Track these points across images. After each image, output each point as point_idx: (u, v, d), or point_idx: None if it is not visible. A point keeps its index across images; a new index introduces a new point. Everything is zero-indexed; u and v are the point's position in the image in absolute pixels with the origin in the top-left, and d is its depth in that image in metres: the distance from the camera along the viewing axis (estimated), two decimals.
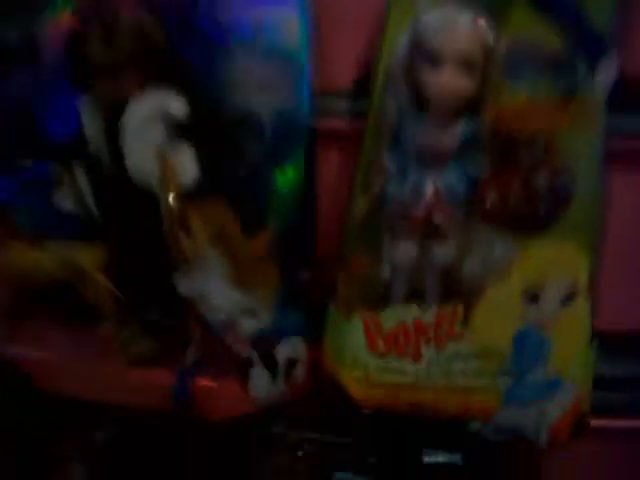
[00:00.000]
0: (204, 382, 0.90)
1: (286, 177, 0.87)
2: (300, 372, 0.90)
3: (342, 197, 0.89)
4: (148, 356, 0.93)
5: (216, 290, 0.84)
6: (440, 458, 0.89)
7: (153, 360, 0.93)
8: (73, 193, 0.94)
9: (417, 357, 0.84)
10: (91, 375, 0.95)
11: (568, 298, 0.80)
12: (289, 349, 0.89)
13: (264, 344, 0.88)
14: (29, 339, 1.00)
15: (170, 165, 0.85)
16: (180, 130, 0.85)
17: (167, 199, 0.85)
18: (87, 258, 0.96)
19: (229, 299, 0.85)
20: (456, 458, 0.90)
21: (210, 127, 0.86)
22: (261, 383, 0.88)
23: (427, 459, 0.89)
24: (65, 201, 0.95)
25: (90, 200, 0.93)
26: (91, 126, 0.87)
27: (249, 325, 0.87)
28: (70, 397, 0.97)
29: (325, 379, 0.86)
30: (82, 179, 0.92)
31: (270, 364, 0.89)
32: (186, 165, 0.85)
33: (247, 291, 0.85)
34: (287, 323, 0.88)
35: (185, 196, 0.85)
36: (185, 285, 0.86)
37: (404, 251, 0.84)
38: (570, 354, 0.78)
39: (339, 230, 0.88)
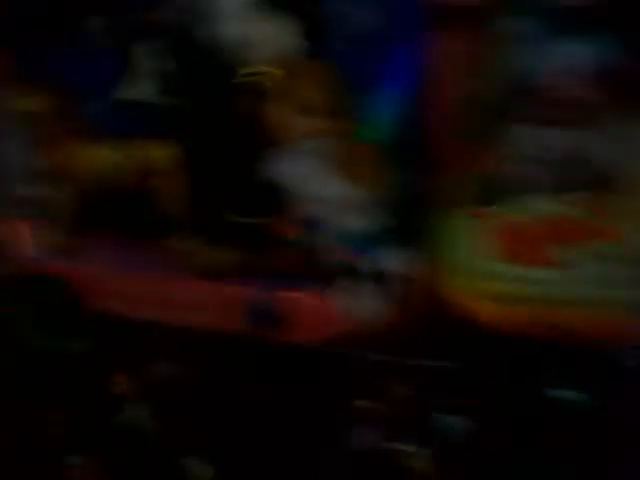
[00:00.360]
0: (290, 295, 0.76)
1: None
2: (405, 289, 0.75)
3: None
4: (220, 267, 0.80)
5: (317, 177, 0.72)
6: (566, 394, 0.75)
7: (226, 271, 0.80)
8: (157, 75, 0.82)
9: (551, 261, 0.70)
10: (153, 292, 0.83)
11: None
12: (396, 260, 0.75)
13: (367, 251, 0.74)
14: (87, 252, 0.87)
15: (267, 30, 0.73)
16: None
17: (261, 67, 0.73)
18: (159, 155, 0.84)
19: (332, 189, 0.72)
20: (584, 397, 0.75)
21: None
22: (361, 298, 0.74)
23: (549, 394, 0.75)
24: (135, 89, 0.83)
25: (164, 82, 0.81)
26: None
27: (351, 224, 0.74)
28: (130, 317, 0.83)
29: (437, 298, 0.73)
30: (151, 59, 0.81)
31: (373, 275, 0.74)
32: (284, 32, 0.74)
33: (353, 183, 0.72)
34: (395, 229, 0.73)
35: (284, 65, 0.73)
36: (277, 171, 0.73)
37: (541, 138, 0.71)
38: None
39: (453, 129, 0.75)
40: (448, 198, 0.75)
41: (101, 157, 0.86)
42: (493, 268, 0.70)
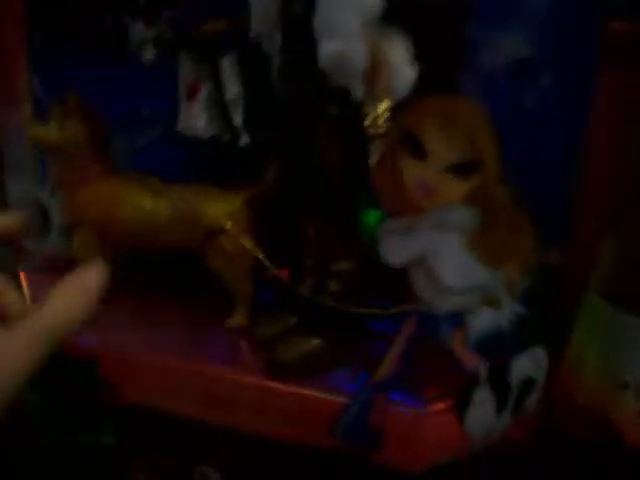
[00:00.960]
0: (399, 407, 0.56)
1: None
2: (534, 400, 0.61)
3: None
4: (300, 359, 0.61)
5: (450, 256, 0.52)
6: None
7: (309, 365, 0.60)
8: (214, 103, 0.62)
9: None
10: (206, 386, 0.63)
11: None
12: (528, 364, 0.57)
13: (498, 353, 0.55)
14: (121, 325, 0.68)
15: (384, 56, 0.54)
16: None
17: (375, 107, 0.54)
18: (224, 208, 0.65)
19: (468, 273, 0.52)
20: None
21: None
22: (484, 413, 0.56)
23: None
24: (197, 119, 0.63)
25: (238, 113, 0.61)
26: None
27: (484, 320, 0.55)
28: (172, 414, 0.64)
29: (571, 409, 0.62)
30: (231, 79, 0.60)
31: (502, 385, 0.56)
32: (402, 60, 0.55)
33: (492, 267, 0.53)
34: (531, 322, 0.56)
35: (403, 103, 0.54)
36: (398, 243, 0.54)
37: None
38: None
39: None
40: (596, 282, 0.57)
41: (141, 204, 0.66)
42: None
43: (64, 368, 0.67)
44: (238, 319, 0.67)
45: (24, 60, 0.72)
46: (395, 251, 0.54)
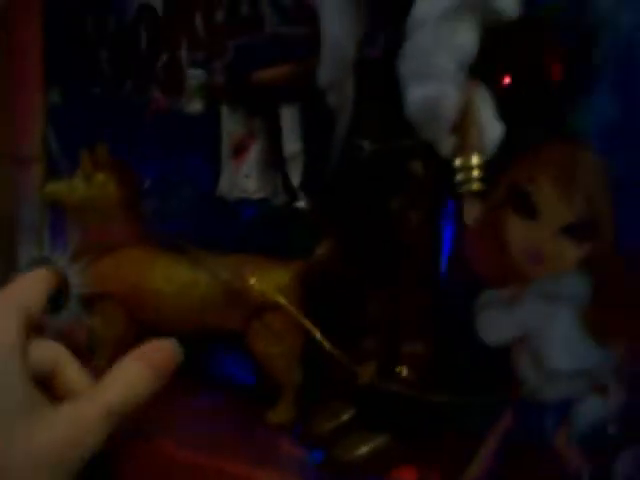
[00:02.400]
0: None
1: None
2: None
3: None
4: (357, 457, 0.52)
5: (561, 333, 0.45)
6: None
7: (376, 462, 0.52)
8: (268, 161, 0.55)
9: None
10: None
11: None
12: (632, 465, 0.48)
13: (604, 450, 0.47)
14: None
15: (474, 107, 0.49)
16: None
17: (468, 160, 0.48)
18: (274, 281, 0.57)
19: (579, 354, 0.45)
20: None
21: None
22: None
23: None
24: (247, 179, 0.56)
25: (297, 172, 0.54)
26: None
27: (590, 411, 0.47)
28: None
29: None
30: (292, 133, 0.54)
31: None
32: (490, 112, 0.50)
33: (603, 346, 0.46)
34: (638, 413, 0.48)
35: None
36: (499, 318, 0.46)
37: None
38: None
39: None
40: None
41: (176, 275, 0.57)
42: None
43: None
44: (282, 413, 0.57)
45: (40, 116, 0.65)
46: (496, 328, 0.46)
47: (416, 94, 0.47)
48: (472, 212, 0.47)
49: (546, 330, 0.46)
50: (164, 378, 0.33)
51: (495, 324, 0.46)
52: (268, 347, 0.56)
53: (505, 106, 0.51)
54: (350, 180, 0.52)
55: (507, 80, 0.53)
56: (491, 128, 0.50)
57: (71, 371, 0.34)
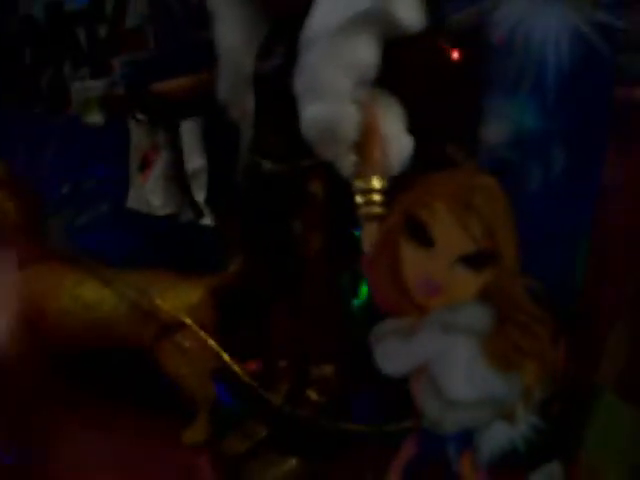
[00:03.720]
0: None
1: None
2: None
3: None
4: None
5: (459, 363, 0.43)
6: None
7: None
8: (172, 176, 0.52)
9: None
10: None
11: None
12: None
13: (510, 475, 0.46)
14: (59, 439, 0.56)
15: (377, 124, 0.47)
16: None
17: (368, 182, 0.46)
18: (179, 298, 0.55)
19: (479, 383, 0.44)
20: None
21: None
22: None
23: None
24: (152, 194, 0.54)
25: (201, 188, 0.52)
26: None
27: (496, 437, 0.46)
28: None
29: None
30: (193, 149, 0.51)
31: None
32: (397, 129, 0.48)
33: (507, 373, 0.44)
34: (547, 436, 0.47)
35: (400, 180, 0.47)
36: (397, 348, 0.45)
37: None
38: None
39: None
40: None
41: (81, 293, 0.55)
42: None
43: None
44: (197, 432, 0.56)
45: None
46: (394, 358, 0.45)
47: (310, 113, 0.44)
48: (369, 237, 0.45)
49: (445, 361, 0.44)
50: None
51: (393, 354, 0.45)
52: (179, 367, 0.55)
53: (414, 119, 0.49)
54: (253, 199, 0.50)
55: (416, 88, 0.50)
56: (399, 143, 0.48)
57: None
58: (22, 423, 0.53)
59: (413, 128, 0.49)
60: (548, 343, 0.45)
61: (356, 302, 0.54)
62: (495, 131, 0.51)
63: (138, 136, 0.54)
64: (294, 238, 0.48)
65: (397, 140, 0.47)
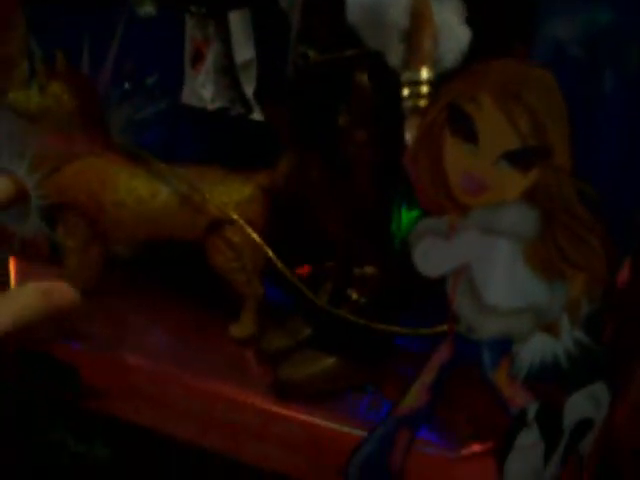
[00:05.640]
0: (426, 447, 0.46)
1: None
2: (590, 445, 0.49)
3: None
4: (312, 379, 0.51)
5: (499, 267, 0.41)
6: None
7: (322, 385, 0.50)
8: (222, 69, 0.52)
9: None
10: (205, 407, 0.53)
11: None
12: (586, 403, 0.48)
13: (550, 390, 0.43)
14: (108, 326, 0.59)
15: (429, 12, 0.44)
16: None
17: (416, 74, 0.43)
18: (236, 195, 0.55)
19: (520, 290, 0.42)
20: None
21: None
22: (528, 462, 0.45)
23: None
24: (203, 88, 0.53)
25: (250, 82, 0.51)
26: None
27: (536, 349, 0.44)
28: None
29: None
30: (242, 40, 0.50)
31: (552, 428, 0.47)
32: (452, 19, 0.45)
33: (552, 282, 0.42)
34: (593, 353, 0.46)
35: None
36: (436, 248, 0.43)
37: None
38: None
39: None
40: None
41: (135, 187, 0.56)
42: None
43: (43, 370, 0.58)
44: (243, 327, 0.57)
45: (19, 16, 0.63)
46: (432, 258, 0.43)
47: None
48: (412, 131, 0.43)
49: (484, 264, 0.42)
50: (55, 312, 0.37)
51: (431, 254, 0.43)
52: (227, 262, 0.55)
53: (474, 8, 0.45)
54: (300, 91, 0.48)
55: None
56: (453, 33, 0.45)
57: None
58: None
59: (472, 18, 0.45)
60: (600, 255, 0.43)
61: (406, 214, 0.52)
62: (563, 26, 0.47)
63: (191, 29, 0.53)
64: (341, 132, 0.47)
65: (451, 30, 0.44)
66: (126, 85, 0.61)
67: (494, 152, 0.39)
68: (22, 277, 0.63)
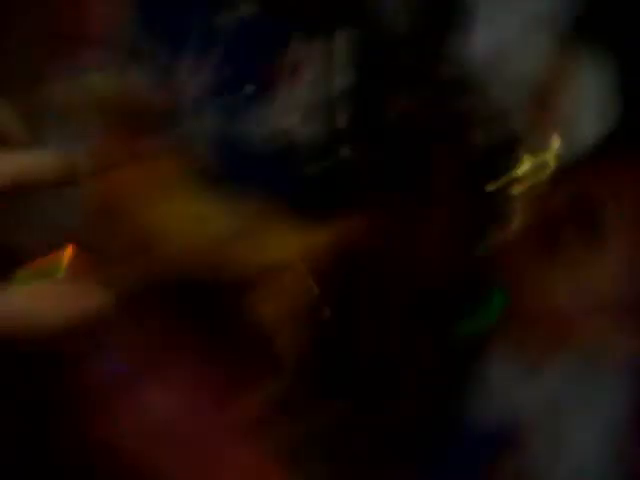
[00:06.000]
0: None
1: None
2: None
3: None
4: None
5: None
6: None
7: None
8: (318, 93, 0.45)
9: None
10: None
11: None
12: None
13: None
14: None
15: (566, 81, 0.36)
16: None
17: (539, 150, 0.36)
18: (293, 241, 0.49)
19: None
20: None
21: None
22: None
23: None
24: (292, 112, 0.47)
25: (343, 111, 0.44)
26: None
27: None
28: None
29: None
30: (344, 63, 0.43)
31: None
32: (593, 93, 0.37)
33: None
34: None
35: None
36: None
37: None
38: None
39: None
40: None
41: (195, 207, 0.50)
42: None
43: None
44: (276, 387, 0.50)
45: None
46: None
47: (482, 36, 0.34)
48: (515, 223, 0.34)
49: None
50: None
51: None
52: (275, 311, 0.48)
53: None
54: (397, 136, 0.41)
55: None
56: (591, 114, 0.36)
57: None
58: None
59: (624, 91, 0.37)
60: None
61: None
62: None
63: (295, 44, 0.46)
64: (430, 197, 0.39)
65: (591, 108, 0.36)
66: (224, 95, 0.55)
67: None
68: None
